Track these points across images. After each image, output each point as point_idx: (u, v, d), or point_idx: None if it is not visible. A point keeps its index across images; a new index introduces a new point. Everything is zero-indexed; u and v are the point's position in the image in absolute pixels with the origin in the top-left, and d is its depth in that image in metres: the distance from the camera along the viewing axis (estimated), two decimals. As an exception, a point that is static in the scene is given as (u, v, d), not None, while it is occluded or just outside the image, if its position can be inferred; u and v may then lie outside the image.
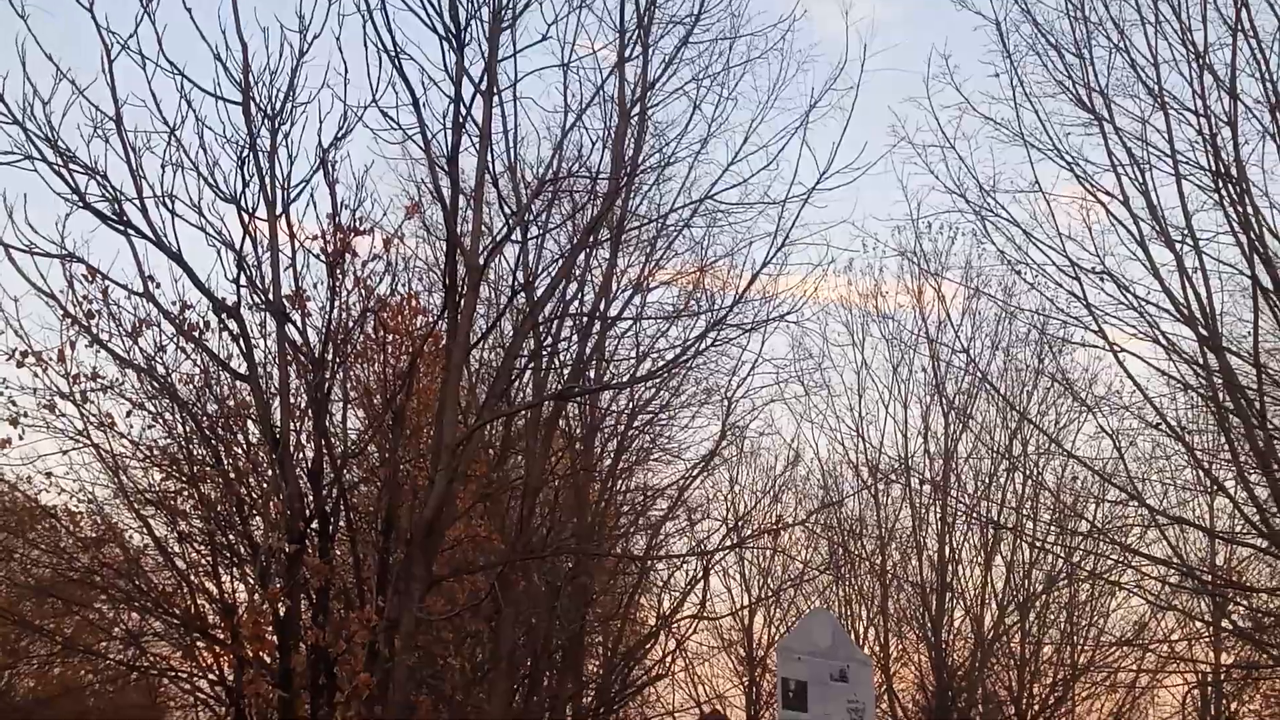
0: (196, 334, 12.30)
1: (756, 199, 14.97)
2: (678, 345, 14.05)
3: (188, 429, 13.12)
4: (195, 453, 13.21)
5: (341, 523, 11.71)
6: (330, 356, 11.71)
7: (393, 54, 10.83)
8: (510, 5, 11.61)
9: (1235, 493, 15.53)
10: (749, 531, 22.50)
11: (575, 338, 16.37)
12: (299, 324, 11.59)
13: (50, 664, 21.36)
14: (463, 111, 11.09)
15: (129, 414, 13.33)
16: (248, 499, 12.47)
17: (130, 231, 10.68)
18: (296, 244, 11.61)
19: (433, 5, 11.09)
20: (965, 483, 25.26)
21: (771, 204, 13.77)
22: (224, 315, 11.37)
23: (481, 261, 11.30)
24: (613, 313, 17.02)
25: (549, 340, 15.52)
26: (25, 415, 12.67)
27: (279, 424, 11.09)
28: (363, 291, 12.62)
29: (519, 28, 11.77)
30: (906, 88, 18.18)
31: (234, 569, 13.70)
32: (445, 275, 11.08)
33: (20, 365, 12.40)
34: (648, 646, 21.76)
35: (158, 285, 11.59)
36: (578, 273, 15.64)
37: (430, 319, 13.83)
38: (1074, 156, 14.98)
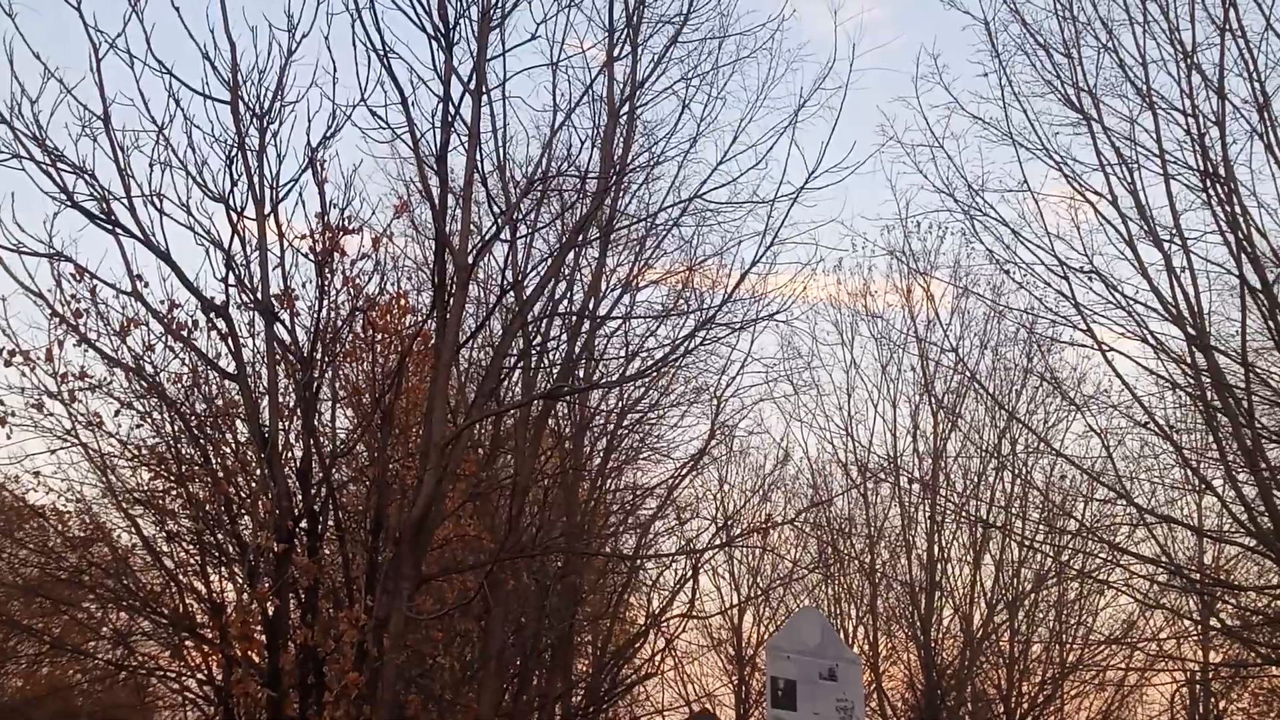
0: (185, 333, 12.32)
1: (745, 198, 14.94)
2: (667, 344, 14.03)
3: (176, 428, 13.13)
4: (184, 452, 13.22)
5: (330, 522, 11.72)
6: (319, 355, 11.71)
7: (381, 53, 10.84)
8: (499, 4, 11.60)
9: (1223, 491, 15.56)
10: (738, 530, 22.49)
11: (564, 337, 16.34)
12: (287, 323, 11.61)
13: (38, 663, 21.32)
14: (451, 111, 11.09)
15: (117, 413, 13.33)
16: (236, 498, 12.47)
17: (118, 230, 10.69)
18: (285, 243, 11.61)
19: (421, 4, 11.10)
20: (954, 482, 25.29)
21: (760, 203, 13.78)
22: (212, 314, 11.37)
23: (470, 260, 11.29)
24: (602, 312, 16.99)
25: (538, 339, 15.53)
26: (13, 414, 12.67)
27: (267, 423, 11.09)
28: (351, 290, 12.63)
29: (508, 27, 11.78)
30: (895, 87, 18.28)
31: (222, 568, 13.70)
32: (434, 274, 11.07)
33: (8, 364, 12.38)
34: (637, 645, 21.73)
35: (146, 284, 11.63)
36: (567, 272, 15.61)
37: (419, 318, 13.83)
38: (1062, 156, 15.02)
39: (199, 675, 14.23)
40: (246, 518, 12.35)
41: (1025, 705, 24.60)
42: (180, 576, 13.84)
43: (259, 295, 11.22)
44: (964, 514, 23.78)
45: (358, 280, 12.73)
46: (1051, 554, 22.16)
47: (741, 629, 27.16)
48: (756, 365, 22.09)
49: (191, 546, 13.94)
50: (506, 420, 15.81)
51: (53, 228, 10.91)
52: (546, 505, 16.05)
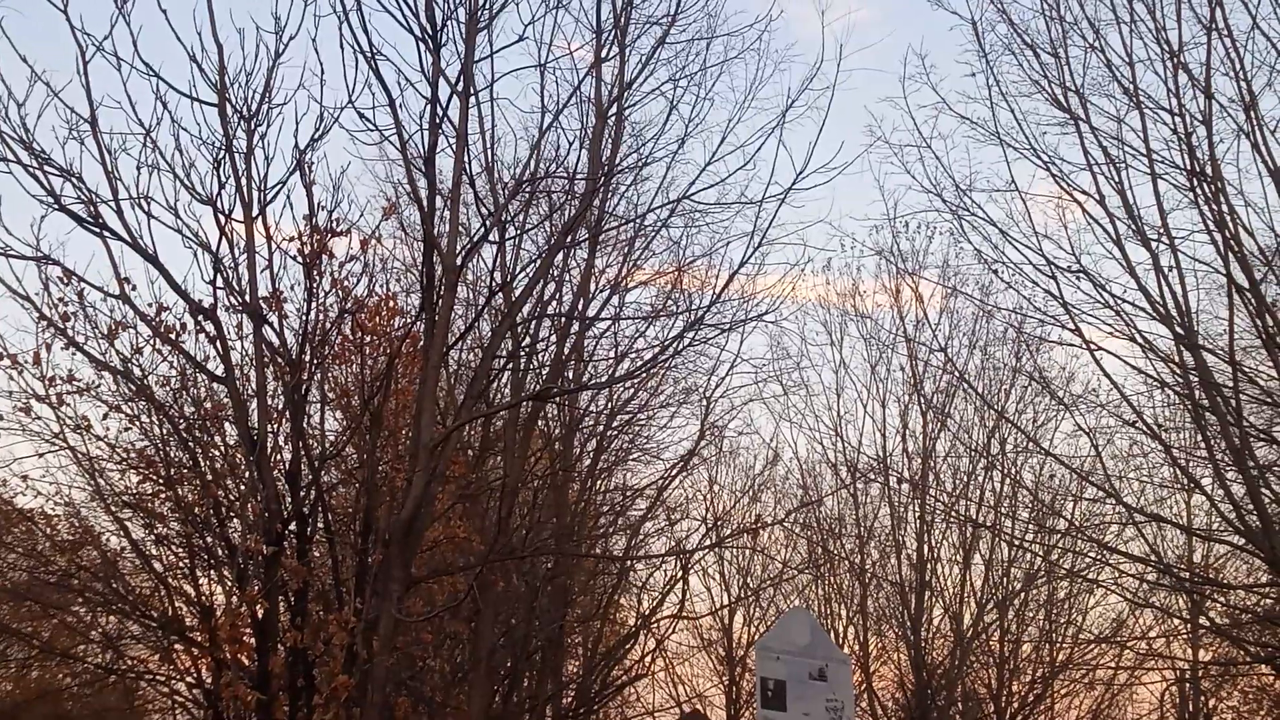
0: (173, 336, 12.29)
1: (734, 199, 14.97)
2: (656, 345, 14.07)
3: (165, 431, 13.10)
4: (172, 455, 13.18)
5: (320, 524, 11.70)
6: (308, 358, 11.70)
7: (369, 55, 10.83)
8: (487, 6, 11.60)
9: (1212, 490, 15.58)
10: (728, 531, 22.49)
11: (553, 338, 16.33)
12: (276, 325, 11.60)
13: (27, 668, 21.25)
14: (439, 112, 11.08)
15: (105, 416, 13.29)
16: (225, 501, 12.44)
17: (106, 233, 10.68)
18: (273, 245, 11.61)
19: (409, 6, 11.08)
20: (944, 481, 25.30)
21: (749, 204, 13.79)
22: (201, 317, 11.35)
23: (459, 262, 11.28)
24: (591, 313, 16.99)
25: (527, 340, 15.53)
26: (1, 418, 12.65)
27: (256, 426, 11.08)
28: (340, 292, 12.62)
29: (495, 28, 11.79)
30: (883, 87, 18.36)
31: (212, 571, 13.66)
32: (423, 276, 11.06)
33: (-5, 368, 12.37)
34: (627, 646, 21.73)
35: (134, 287, 11.62)
36: (555, 273, 15.63)
37: (408, 320, 13.82)
38: (1050, 156, 15.03)
39: (188, 678, 14.20)
40: (236, 520, 12.33)
41: (1015, 704, 24.63)
42: (169, 580, 13.81)
43: (247, 298, 11.20)
44: (953, 514, 23.81)
45: (346, 282, 12.73)
46: (1041, 553, 22.18)
47: (732, 630, 27.17)
48: (746, 366, 22.16)
49: (181, 550, 13.91)
50: (496, 422, 15.82)
51: (40, 231, 10.93)
52: (536, 507, 16.06)
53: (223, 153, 10.96)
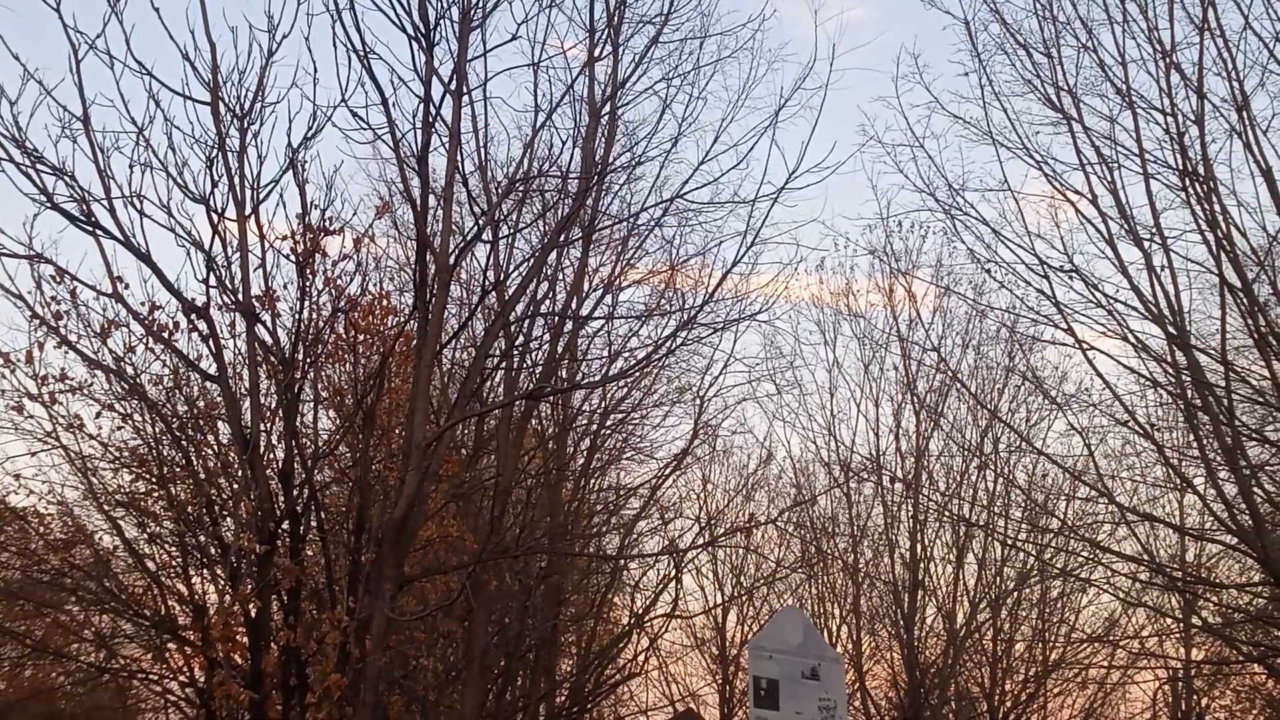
0: (166, 335, 12.28)
1: (727, 198, 14.94)
2: (649, 344, 14.01)
3: (157, 430, 13.10)
4: (165, 454, 13.19)
5: (312, 523, 11.69)
6: (300, 357, 11.69)
7: (362, 54, 10.80)
8: (480, 5, 11.59)
9: (1204, 490, 15.60)
10: (722, 530, 22.49)
11: (547, 337, 16.32)
12: (269, 324, 11.58)
13: (20, 667, 21.25)
14: (432, 111, 11.06)
15: (98, 415, 13.30)
16: (218, 500, 12.44)
17: (98, 232, 10.65)
18: (266, 244, 11.60)
19: (402, 4, 11.06)
20: (937, 481, 25.36)
21: (742, 203, 13.77)
22: (193, 316, 11.33)
23: (452, 261, 11.27)
24: (584, 312, 16.99)
25: (520, 339, 15.50)
26: (-7, 417, 12.64)
27: (249, 425, 11.06)
28: (333, 291, 12.62)
29: (488, 27, 11.77)
30: (876, 87, 18.34)
31: (204, 570, 13.67)
32: (416, 275, 11.05)
33: (-12, 366, 12.36)
34: (621, 645, 21.76)
35: (126, 286, 11.60)
36: (549, 272, 15.61)
37: (401, 319, 13.83)
38: (1043, 155, 15.03)
39: (181, 677, 14.22)
40: (228, 519, 12.32)
41: (1008, 703, 24.68)
42: (162, 578, 13.82)
43: (240, 296, 11.20)
44: (947, 513, 23.83)
45: (339, 281, 12.74)
46: (1034, 552, 22.20)
47: (725, 629, 27.23)
48: (739, 365, 22.11)
49: (173, 548, 13.92)
50: (489, 421, 15.80)
51: (32, 229, 10.90)
52: (529, 506, 16.03)
53: (216, 151, 10.95)
